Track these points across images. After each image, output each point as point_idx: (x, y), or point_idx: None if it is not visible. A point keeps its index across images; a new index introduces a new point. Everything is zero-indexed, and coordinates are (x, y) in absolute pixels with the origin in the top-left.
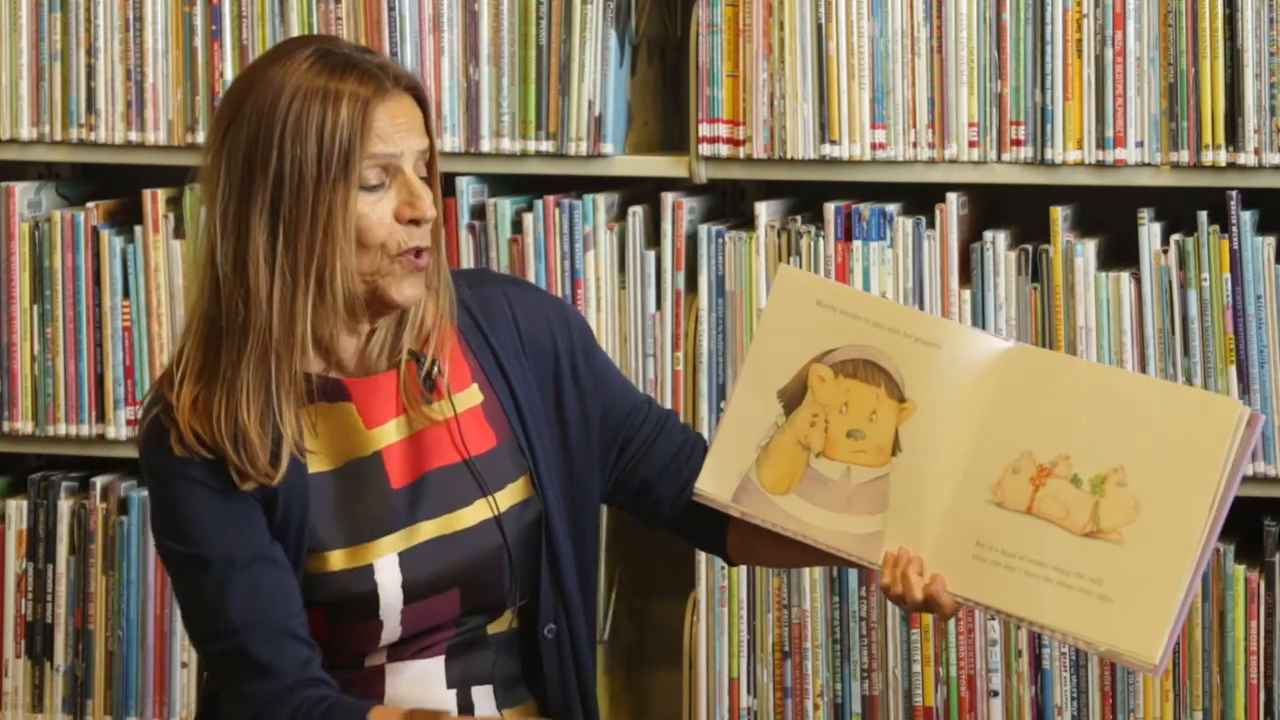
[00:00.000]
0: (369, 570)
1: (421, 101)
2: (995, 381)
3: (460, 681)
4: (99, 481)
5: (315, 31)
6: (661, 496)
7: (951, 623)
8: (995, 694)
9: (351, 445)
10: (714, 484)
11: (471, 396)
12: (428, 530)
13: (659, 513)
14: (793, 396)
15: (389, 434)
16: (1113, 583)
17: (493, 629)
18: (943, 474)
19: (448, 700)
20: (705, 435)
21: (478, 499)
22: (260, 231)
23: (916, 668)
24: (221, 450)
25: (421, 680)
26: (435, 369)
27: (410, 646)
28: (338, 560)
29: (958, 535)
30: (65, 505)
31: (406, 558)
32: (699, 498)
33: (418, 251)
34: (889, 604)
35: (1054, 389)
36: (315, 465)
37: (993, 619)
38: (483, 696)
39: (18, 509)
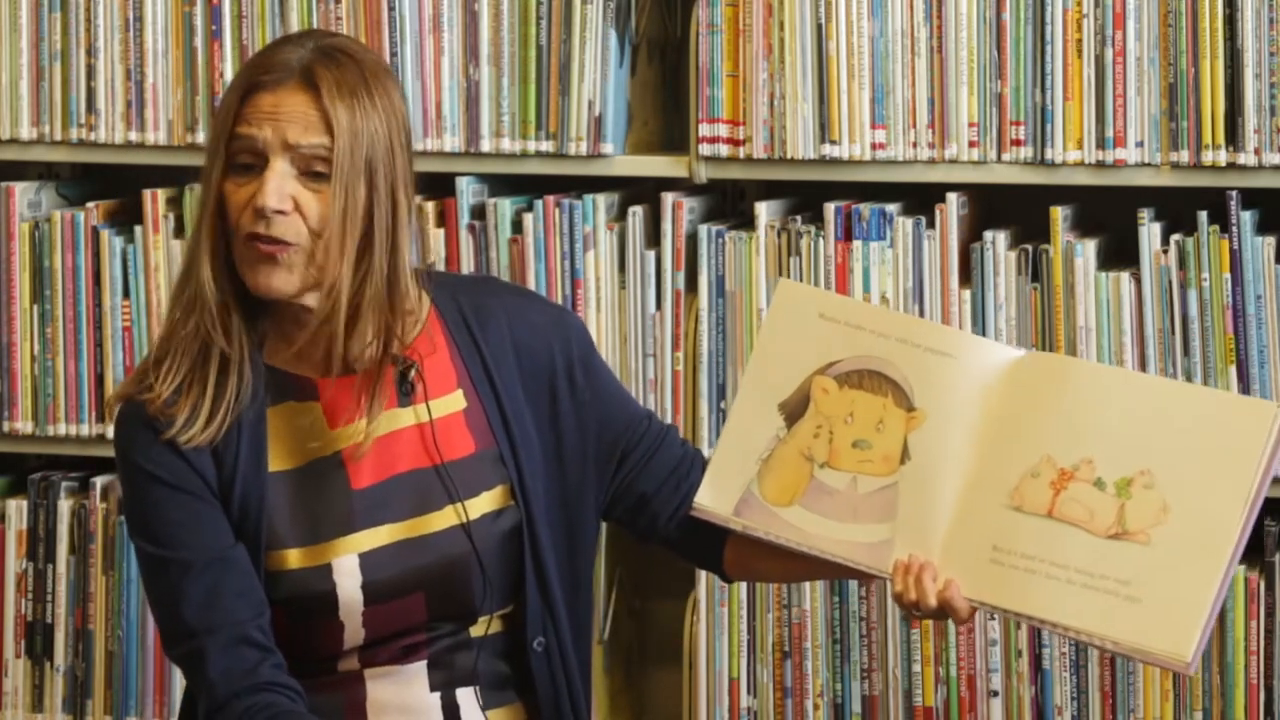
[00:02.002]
0: (327, 570)
1: (319, 100)
2: (1010, 387)
3: (444, 684)
4: (99, 481)
5: None
6: (658, 511)
7: (951, 623)
8: (995, 694)
9: (314, 444)
10: (714, 498)
11: (454, 402)
12: (390, 533)
13: (656, 528)
14: (794, 409)
15: (354, 434)
16: (1142, 583)
17: (475, 632)
18: (955, 480)
19: (431, 703)
20: (705, 436)
21: (447, 505)
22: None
23: (916, 668)
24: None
25: (403, 684)
26: (413, 372)
27: (385, 651)
28: (295, 559)
29: (973, 540)
30: (65, 505)
31: (367, 559)
32: (698, 513)
33: (260, 238)
34: (889, 604)
35: (1073, 393)
36: (276, 463)
37: (1016, 624)
38: (467, 697)
39: (18, 509)
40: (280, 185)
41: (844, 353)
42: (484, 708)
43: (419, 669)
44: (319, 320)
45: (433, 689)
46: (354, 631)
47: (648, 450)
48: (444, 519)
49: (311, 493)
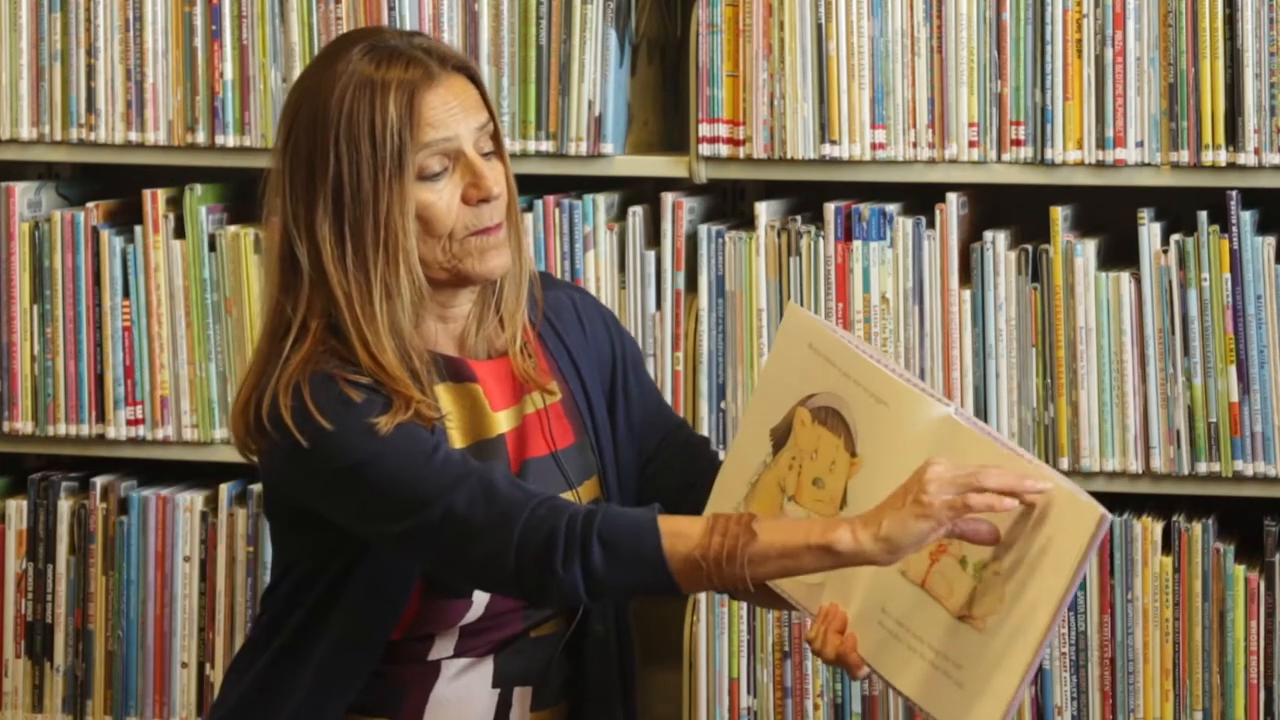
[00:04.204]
0: None
1: (474, 79)
2: (925, 449)
3: (503, 680)
4: (99, 481)
5: (315, 32)
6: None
7: None
8: None
9: (479, 425)
10: None
11: (554, 392)
12: None
13: None
14: (780, 437)
15: (506, 419)
16: (968, 669)
17: (540, 632)
18: None
19: (487, 698)
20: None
21: (563, 492)
22: (328, 235)
23: None
24: None
25: (467, 677)
26: (530, 360)
27: (480, 642)
28: None
29: (872, 600)
30: (65, 505)
31: None
32: None
33: (486, 229)
34: None
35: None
36: (452, 440)
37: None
38: (520, 697)
39: (18, 509)
40: (491, 169)
41: (819, 387)
42: (534, 708)
43: (485, 663)
44: (490, 293)
45: (494, 685)
46: (477, 609)
47: (674, 454)
48: None
49: None
